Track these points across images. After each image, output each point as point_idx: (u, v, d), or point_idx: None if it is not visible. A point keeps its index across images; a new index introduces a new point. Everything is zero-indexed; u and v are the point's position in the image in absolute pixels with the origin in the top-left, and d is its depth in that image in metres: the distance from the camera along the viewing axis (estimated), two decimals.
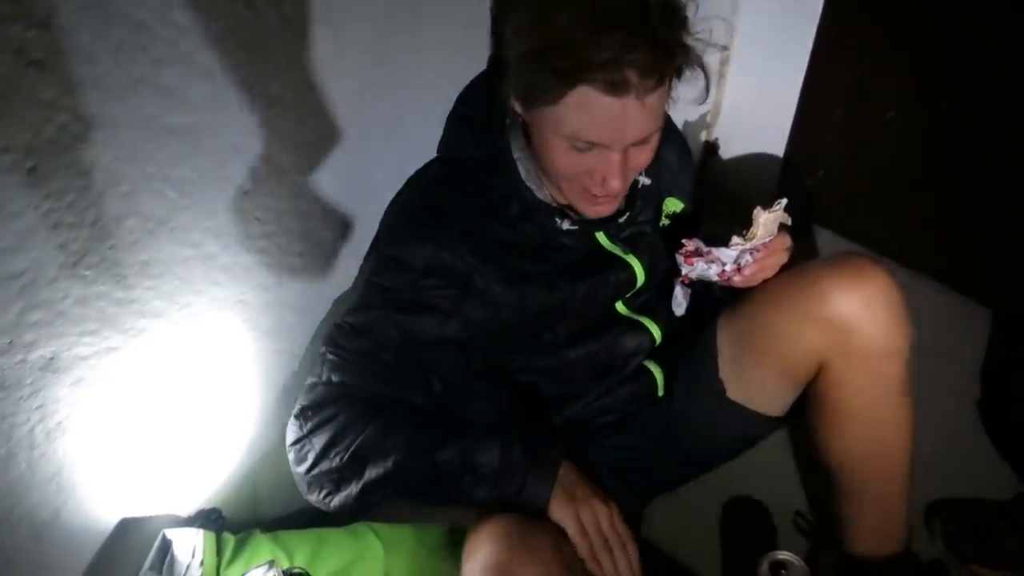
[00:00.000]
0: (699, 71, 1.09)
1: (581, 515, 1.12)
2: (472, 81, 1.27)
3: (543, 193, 1.25)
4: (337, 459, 1.15)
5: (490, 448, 1.14)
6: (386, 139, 1.41)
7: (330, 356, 1.20)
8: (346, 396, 1.18)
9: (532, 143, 1.18)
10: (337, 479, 1.15)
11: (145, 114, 1.06)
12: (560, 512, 1.13)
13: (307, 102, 1.25)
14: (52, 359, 1.10)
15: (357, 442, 1.14)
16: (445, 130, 1.28)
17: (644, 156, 1.14)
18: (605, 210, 1.21)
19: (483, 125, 1.24)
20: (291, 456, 1.19)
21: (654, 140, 1.14)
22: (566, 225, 1.26)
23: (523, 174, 1.23)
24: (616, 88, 1.01)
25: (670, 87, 1.09)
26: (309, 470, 1.17)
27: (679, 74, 1.08)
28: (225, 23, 1.10)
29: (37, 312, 1.05)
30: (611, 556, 1.11)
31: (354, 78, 1.31)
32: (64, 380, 1.13)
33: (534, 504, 1.13)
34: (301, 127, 1.27)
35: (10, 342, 1.04)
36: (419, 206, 1.24)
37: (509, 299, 1.23)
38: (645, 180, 1.32)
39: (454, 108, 1.28)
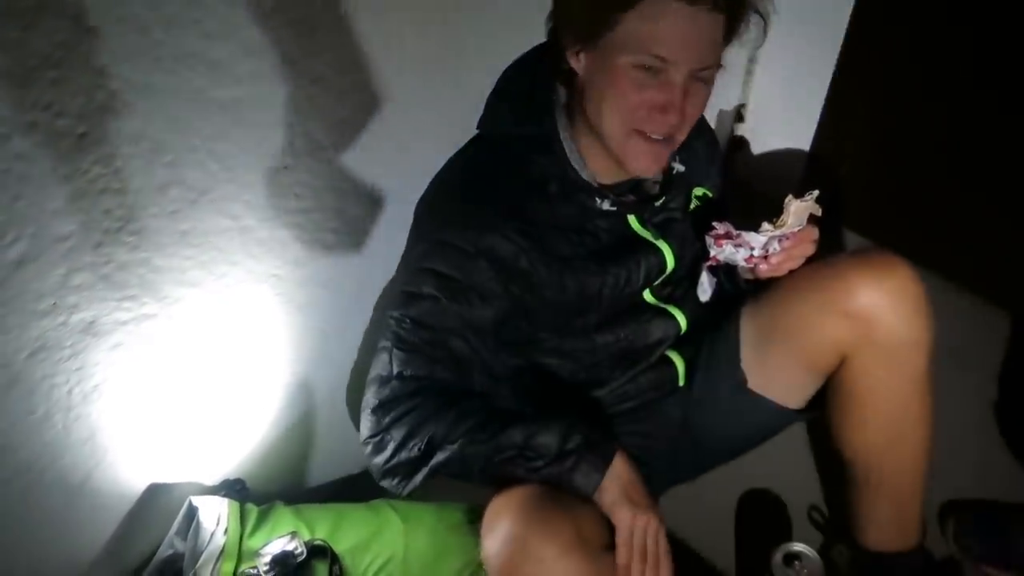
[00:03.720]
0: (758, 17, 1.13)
1: (636, 520, 1.12)
2: (516, 60, 1.28)
3: (586, 172, 1.25)
4: (416, 449, 1.17)
5: (552, 432, 1.16)
6: (424, 119, 1.42)
7: (396, 351, 1.21)
8: (420, 390, 1.20)
9: (585, 98, 1.18)
10: (413, 467, 1.18)
11: (193, 86, 1.08)
12: (615, 506, 1.13)
13: (348, 80, 1.27)
14: (92, 323, 1.12)
15: (432, 432, 1.17)
16: (486, 107, 1.29)
17: (698, 102, 1.15)
18: (655, 163, 1.20)
19: (526, 102, 1.24)
20: (368, 448, 1.21)
21: (708, 87, 1.15)
22: (606, 205, 1.26)
23: (568, 152, 1.24)
24: None
25: (729, 33, 1.12)
26: (388, 461, 1.18)
27: (739, 20, 1.10)
28: (273, 0, 1.11)
29: (81, 275, 1.08)
30: (643, 568, 1.11)
31: (394, 58, 1.32)
32: (103, 344, 1.15)
33: (583, 490, 1.14)
34: (341, 105, 1.28)
35: (54, 304, 1.07)
36: (462, 187, 1.25)
37: (550, 280, 1.24)
38: (679, 167, 1.33)
39: (496, 85, 1.29)
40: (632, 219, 1.30)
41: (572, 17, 1.14)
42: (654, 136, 1.16)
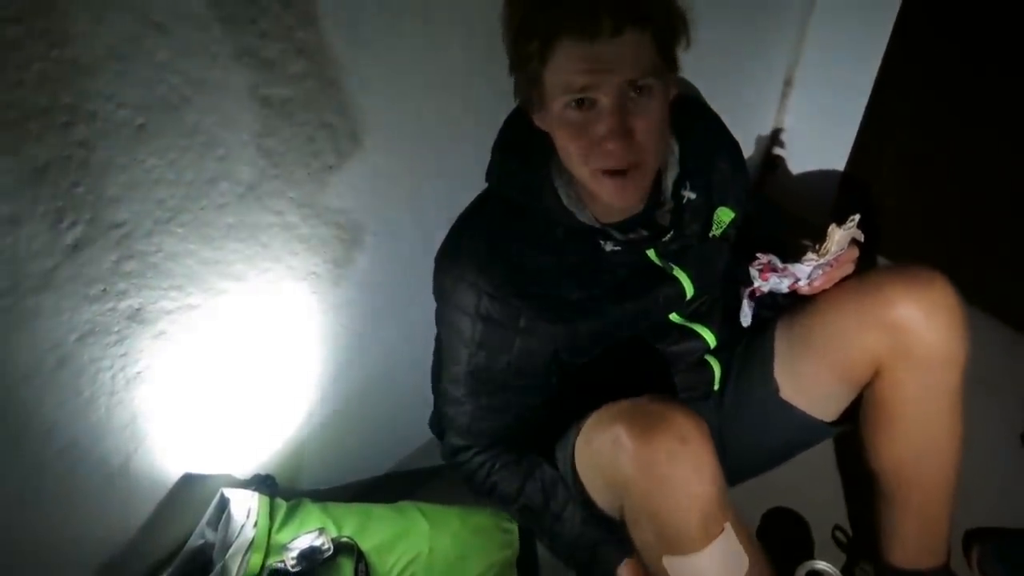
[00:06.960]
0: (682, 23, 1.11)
1: None
2: (514, 110, 1.27)
3: (586, 216, 1.24)
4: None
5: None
6: (465, 126, 1.45)
7: (458, 419, 1.38)
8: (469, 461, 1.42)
9: (559, 154, 1.18)
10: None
11: (247, 83, 1.12)
12: None
13: (396, 86, 1.29)
14: (139, 310, 1.16)
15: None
16: (491, 158, 1.29)
17: (647, 116, 1.10)
18: (628, 194, 1.16)
19: (523, 152, 1.25)
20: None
21: (655, 100, 1.10)
22: (609, 246, 1.26)
23: (564, 199, 1.23)
24: (588, 30, 1.03)
25: (661, 43, 1.08)
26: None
27: (656, 23, 1.07)
28: (326, 3, 1.15)
29: (131, 263, 1.11)
30: None
31: (441, 65, 1.34)
32: (148, 331, 1.18)
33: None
34: (388, 110, 1.31)
35: (104, 289, 1.10)
36: (467, 252, 1.27)
37: (560, 331, 1.28)
38: (691, 195, 1.30)
39: (499, 135, 1.30)
40: (650, 251, 1.30)
41: (518, 88, 1.17)
42: (615, 168, 1.12)
